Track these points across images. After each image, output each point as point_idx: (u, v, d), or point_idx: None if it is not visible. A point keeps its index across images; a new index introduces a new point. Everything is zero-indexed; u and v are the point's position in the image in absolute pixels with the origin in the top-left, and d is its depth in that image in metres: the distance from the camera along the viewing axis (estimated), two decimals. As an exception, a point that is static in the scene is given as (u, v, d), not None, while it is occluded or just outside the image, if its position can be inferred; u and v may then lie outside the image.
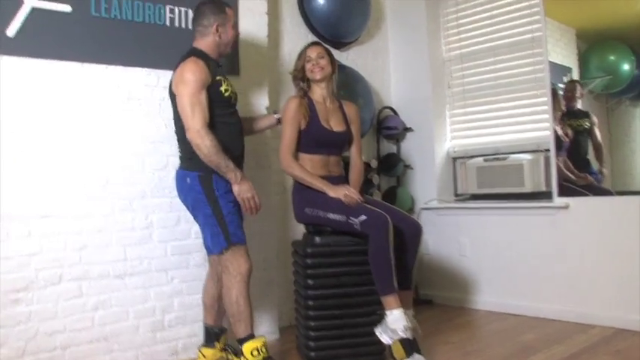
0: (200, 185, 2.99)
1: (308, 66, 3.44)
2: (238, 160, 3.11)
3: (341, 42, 4.59)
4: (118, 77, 3.31)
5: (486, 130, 4.59)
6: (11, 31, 2.99)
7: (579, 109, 4.17)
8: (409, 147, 4.83)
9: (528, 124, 4.33)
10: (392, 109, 4.87)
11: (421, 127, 4.75)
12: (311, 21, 4.38)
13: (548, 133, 4.06)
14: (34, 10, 3.06)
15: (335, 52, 4.45)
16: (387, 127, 4.68)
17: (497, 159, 4.30)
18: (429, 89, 4.72)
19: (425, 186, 4.72)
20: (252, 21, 3.86)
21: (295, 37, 4.35)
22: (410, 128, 4.78)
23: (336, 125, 3.46)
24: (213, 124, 2.99)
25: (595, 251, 3.79)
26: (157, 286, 3.39)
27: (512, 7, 4.41)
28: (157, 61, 3.44)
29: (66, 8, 3.16)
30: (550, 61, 4.10)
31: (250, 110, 3.79)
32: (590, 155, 4.12)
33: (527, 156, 4.17)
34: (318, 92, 3.48)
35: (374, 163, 4.55)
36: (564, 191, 3.95)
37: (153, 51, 3.44)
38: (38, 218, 3.02)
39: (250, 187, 2.99)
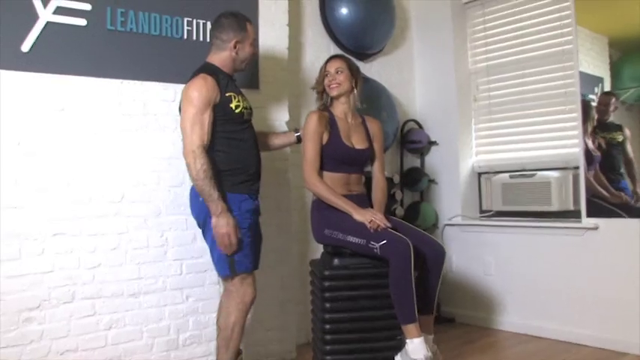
0: None
1: (326, 81, 3.30)
2: (253, 178, 2.99)
3: (365, 53, 4.44)
4: (134, 92, 3.22)
5: (513, 145, 4.37)
6: (26, 46, 2.91)
7: (612, 122, 3.94)
8: (433, 161, 4.66)
9: (557, 140, 4.11)
10: (416, 121, 4.71)
11: (446, 141, 4.57)
12: (334, 32, 4.24)
13: (577, 150, 3.84)
14: (49, 25, 2.97)
15: (359, 64, 4.30)
16: (412, 141, 4.52)
17: (524, 176, 4.09)
18: (455, 102, 4.53)
19: (449, 201, 4.54)
20: (272, 33, 3.73)
21: (317, 48, 4.22)
22: (435, 142, 4.61)
23: (358, 142, 3.32)
24: (224, 141, 2.89)
25: (627, 275, 3.57)
26: (171, 304, 3.28)
27: (542, 19, 4.19)
28: (174, 76, 3.31)
29: (81, 22, 3.07)
30: (580, 72, 3.88)
31: (270, 125, 3.67)
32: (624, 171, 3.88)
33: (555, 173, 3.96)
34: (339, 108, 3.34)
35: (396, 179, 4.40)
36: (594, 211, 3.73)
37: (170, 65, 3.33)
38: (51, 236, 2.94)
39: (228, 223, 2.78)
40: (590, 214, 3.74)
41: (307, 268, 3.57)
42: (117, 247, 3.13)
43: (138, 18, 3.24)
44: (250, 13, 3.59)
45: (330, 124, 3.27)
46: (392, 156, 4.55)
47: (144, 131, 3.24)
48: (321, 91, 3.34)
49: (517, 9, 4.35)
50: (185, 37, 3.39)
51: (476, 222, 4.37)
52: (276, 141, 3.39)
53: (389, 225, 3.05)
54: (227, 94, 2.91)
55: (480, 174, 4.57)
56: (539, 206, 3.99)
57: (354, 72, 3.32)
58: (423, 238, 3.18)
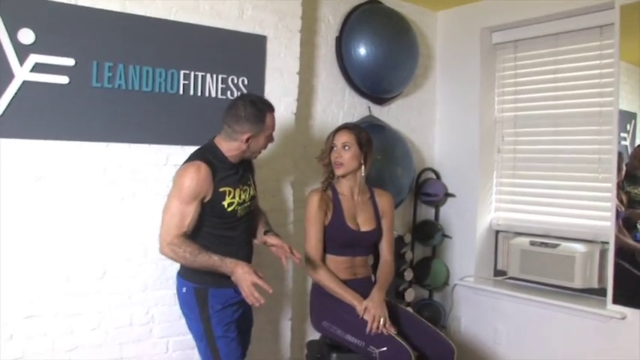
0: (195, 299, 2.50)
1: (332, 155, 2.82)
2: None
3: (383, 97, 3.86)
4: (121, 156, 2.75)
5: (537, 207, 3.79)
6: (-2, 110, 2.46)
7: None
8: (449, 213, 4.12)
9: (586, 210, 3.54)
10: (434, 170, 4.16)
11: (464, 194, 4.01)
12: (350, 74, 3.67)
13: (608, 224, 3.29)
14: (26, 84, 2.50)
15: (375, 108, 3.82)
16: (427, 194, 4.00)
17: (545, 245, 3.54)
18: (477, 152, 3.95)
19: (462, 258, 4.02)
20: (280, 83, 3.21)
21: (330, 92, 3.68)
22: (452, 194, 4.06)
23: (365, 223, 2.85)
24: (210, 238, 2.47)
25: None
26: (155, 385, 2.89)
27: (580, 74, 3.59)
28: (167, 137, 2.86)
29: (63, 80, 2.58)
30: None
31: (273, 187, 3.20)
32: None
33: (581, 247, 3.41)
34: (345, 184, 2.86)
35: (408, 238, 3.89)
36: (622, 297, 3.17)
37: (162, 125, 2.85)
38: (22, 319, 2.53)
39: (244, 272, 2.33)
40: (616, 301, 3.20)
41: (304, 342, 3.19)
42: (97, 327, 2.71)
43: (128, 73, 2.74)
44: (257, 60, 3.12)
45: (334, 203, 2.81)
46: (405, 207, 4.04)
47: (131, 200, 2.78)
48: (327, 163, 2.86)
49: (553, 58, 3.72)
50: (181, 92, 2.89)
51: (489, 287, 3.84)
52: (267, 239, 2.68)
53: (391, 329, 2.62)
54: (221, 190, 2.45)
55: (497, 232, 4.03)
56: (561, 281, 3.46)
57: (364, 146, 2.82)
58: (429, 334, 2.76)
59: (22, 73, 2.50)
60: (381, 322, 2.61)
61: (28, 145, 2.54)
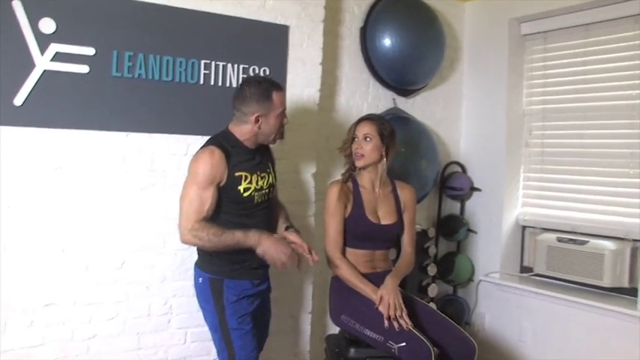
0: (210, 289, 2.49)
1: (353, 146, 2.76)
2: (259, 264, 2.50)
3: (408, 89, 3.78)
4: (141, 146, 2.75)
5: (565, 202, 3.66)
6: (19, 99, 2.47)
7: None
8: (474, 208, 4.01)
9: (616, 207, 3.40)
10: (459, 164, 4.06)
11: (490, 188, 3.90)
12: (374, 66, 3.60)
13: (639, 222, 3.19)
14: (46, 73, 2.51)
15: (400, 100, 3.75)
16: (452, 188, 3.91)
17: (574, 241, 3.42)
18: (503, 145, 3.83)
19: (488, 253, 3.91)
20: (303, 73, 3.17)
21: (354, 84, 3.62)
22: (478, 188, 3.96)
23: (386, 216, 2.79)
24: (227, 225, 2.41)
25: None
26: (172, 375, 2.88)
27: (612, 65, 3.44)
28: (187, 126, 2.85)
29: (83, 69, 2.59)
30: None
31: (293, 179, 3.16)
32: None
33: (611, 245, 3.28)
34: (366, 176, 2.81)
35: (432, 232, 3.81)
36: None
37: (182, 114, 2.84)
38: (42, 307, 2.55)
39: (271, 243, 2.39)
40: (648, 300, 3.09)
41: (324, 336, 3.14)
42: (115, 317, 2.72)
43: (148, 62, 2.74)
44: (279, 50, 3.08)
45: (354, 195, 2.76)
46: (430, 201, 3.95)
47: (150, 190, 2.78)
48: (348, 155, 2.80)
49: (584, 49, 3.59)
50: (202, 81, 2.87)
51: (515, 283, 3.74)
52: (288, 236, 2.61)
53: (406, 318, 2.56)
54: (237, 174, 2.43)
55: (524, 227, 3.90)
56: (589, 279, 3.33)
57: (386, 138, 2.75)
58: (450, 330, 2.70)
59: (42, 62, 2.52)
60: (396, 309, 2.56)
61: (49, 134, 2.56)
